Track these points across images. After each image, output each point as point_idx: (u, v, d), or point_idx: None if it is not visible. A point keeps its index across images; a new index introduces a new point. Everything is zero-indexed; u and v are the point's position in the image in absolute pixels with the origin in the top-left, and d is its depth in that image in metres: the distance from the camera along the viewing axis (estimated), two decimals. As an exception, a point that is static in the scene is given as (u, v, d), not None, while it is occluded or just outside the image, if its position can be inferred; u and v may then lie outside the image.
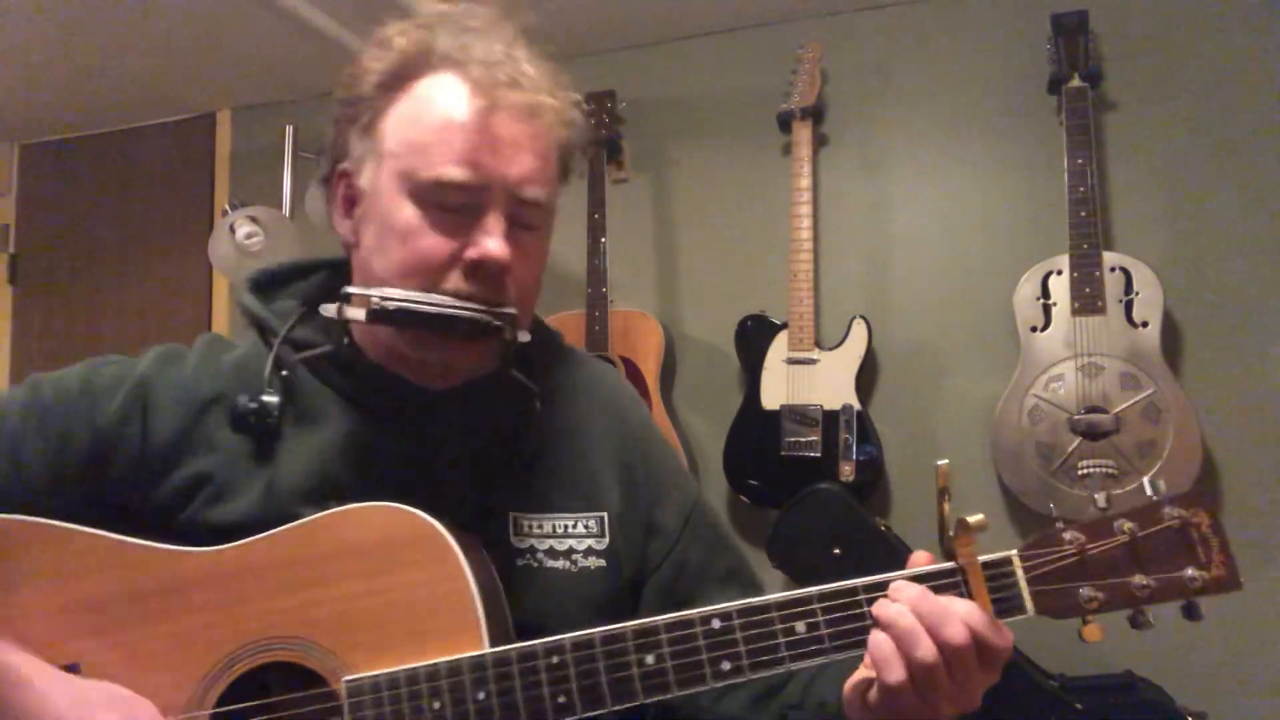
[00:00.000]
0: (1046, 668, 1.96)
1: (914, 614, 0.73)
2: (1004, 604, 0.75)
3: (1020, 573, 0.76)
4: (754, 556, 2.33)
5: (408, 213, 0.83)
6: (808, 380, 2.28)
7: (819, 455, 2.23)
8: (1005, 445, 2.11)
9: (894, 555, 2.09)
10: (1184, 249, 2.19)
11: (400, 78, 0.86)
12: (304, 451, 0.88)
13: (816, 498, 2.14)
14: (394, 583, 0.81)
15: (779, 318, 2.34)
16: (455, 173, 0.82)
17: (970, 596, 0.75)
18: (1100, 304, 2.04)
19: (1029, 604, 0.75)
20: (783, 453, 2.26)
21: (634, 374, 2.42)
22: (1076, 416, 2.02)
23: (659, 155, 2.66)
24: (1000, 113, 2.36)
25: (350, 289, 0.85)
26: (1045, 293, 2.12)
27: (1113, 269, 2.06)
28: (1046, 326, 2.11)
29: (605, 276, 2.42)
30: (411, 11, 0.91)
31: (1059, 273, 2.10)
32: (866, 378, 2.33)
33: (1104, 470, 2.00)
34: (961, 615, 0.73)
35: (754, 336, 2.36)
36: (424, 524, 0.81)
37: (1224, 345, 2.14)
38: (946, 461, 0.82)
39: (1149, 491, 0.77)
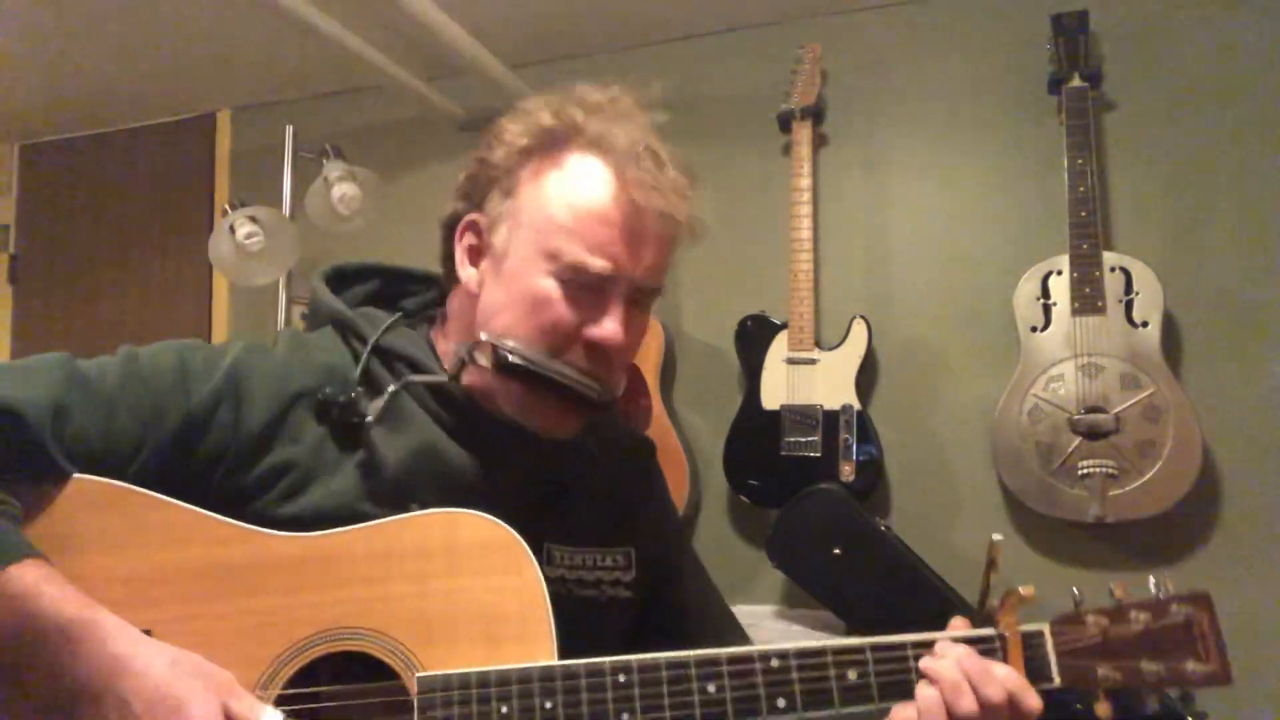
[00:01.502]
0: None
1: (960, 671, 0.80)
2: (1033, 672, 0.82)
3: (1050, 646, 0.84)
4: (754, 556, 2.34)
5: (544, 285, 0.90)
6: (808, 380, 2.28)
7: (819, 455, 2.23)
8: (1005, 445, 2.11)
9: (894, 555, 2.09)
10: (1184, 249, 2.19)
11: (544, 146, 0.93)
12: (383, 454, 0.91)
13: (816, 498, 2.14)
14: (473, 586, 0.84)
15: (779, 318, 2.34)
16: (596, 263, 0.89)
17: (1006, 662, 0.82)
18: (1100, 304, 2.04)
19: (1056, 676, 0.83)
20: (783, 453, 2.26)
21: (634, 374, 2.41)
22: (1076, 416, 2.02)
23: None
24: (1000, 113, 2.36)
25: (484, 336, 0.92)
26: (1045, 293, 2.12)
27: (1113, 269, 2.06)
28: (1046, 326, 2.11)
29: (605, 276, 2.41)
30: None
31: (1059, 273, 2.10)
32: (866, 378, 2.33)
33: (1104, 470, 2.00)
34: (1001, 678, 0.80)
35: (754, 336, 2.36)
36: (507, 534, 0.85)
37: (1224, 345, 2.14)
38: (1001, 538, 0.90)
39: (1153, 590, 0.84)
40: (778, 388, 2.30)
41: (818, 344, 2.30)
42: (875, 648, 0.83)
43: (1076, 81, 2.14)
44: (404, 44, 2.51)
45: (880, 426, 2.25)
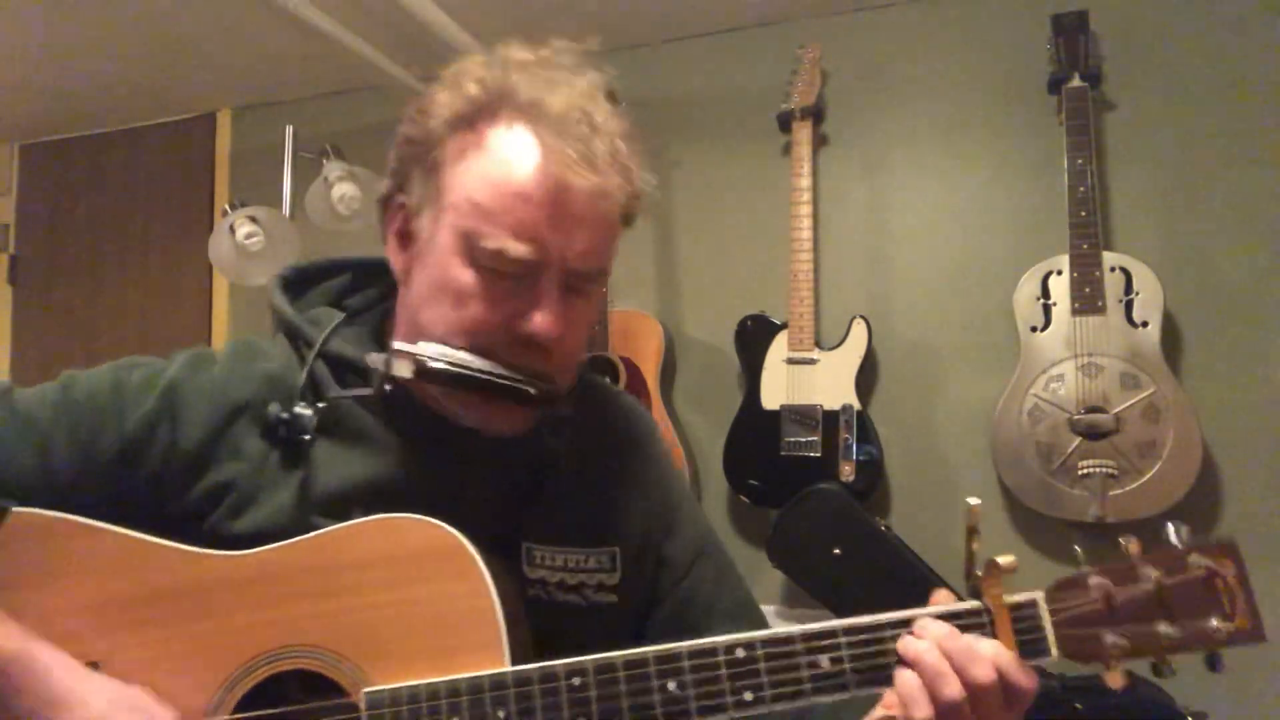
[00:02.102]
0: (1047, 668, 1.95)
1: (941, 652, 0.73)
2: (1028, 646, 0.75)
3: (1046, 616, 0.75)
4: (754, 556, 2.34)
5: (464, 276, 0.82)
6: (808, 380, 2.28)
7: (819, 455, 2.23)
8: (1005, 445, 2.11)
9: (894, 556, 2.09)
10: (1184, 249, 2.19)
11: (471, 120, 0.84)
12: (331, 467, 0.88)
13: (816, 498, 2.14)
14: (418, 595, 0.80)
15: (779, 318, 2.34)
16: (517, 247, 0.80)
17: (995, 637, 0.75)
18: (1100, 304, 2.04)
19: (1053, 648, 0.75)
20: (783, 453, 2.26)
21: (634, 374, 2.42)
22: (1076, 416, 2.02)
23: (659, 155, 2.65)
24: (1000, 113, 2.36)
25: (399, 346, 0.84)
26: (1045, 293, 2.12)
27: (1113, 269, 2.06)
28: (1046, 326, 2.10)
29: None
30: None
31: (1059, 273, 2.10)
32: (866, 378, 2.33)
33: (1104, 470, 2.00)
34: (989, 655, 0.73)
35: (754, 336, 2.36)
36: (450, 538, 0.81)
37: (1224, 345, 2.14)
38: (979, 501, 0.81)
39: (1173, 539, 0.76)
40: (778, 388, 2.30)
41: (818, 344, 2.30)
42: (849, 630, 0.76)
43: (1076, 81, 2.14)
44: (404, 44, 2.51)
45: (880, 426, 2.25)
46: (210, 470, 0.87)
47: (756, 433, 2.30)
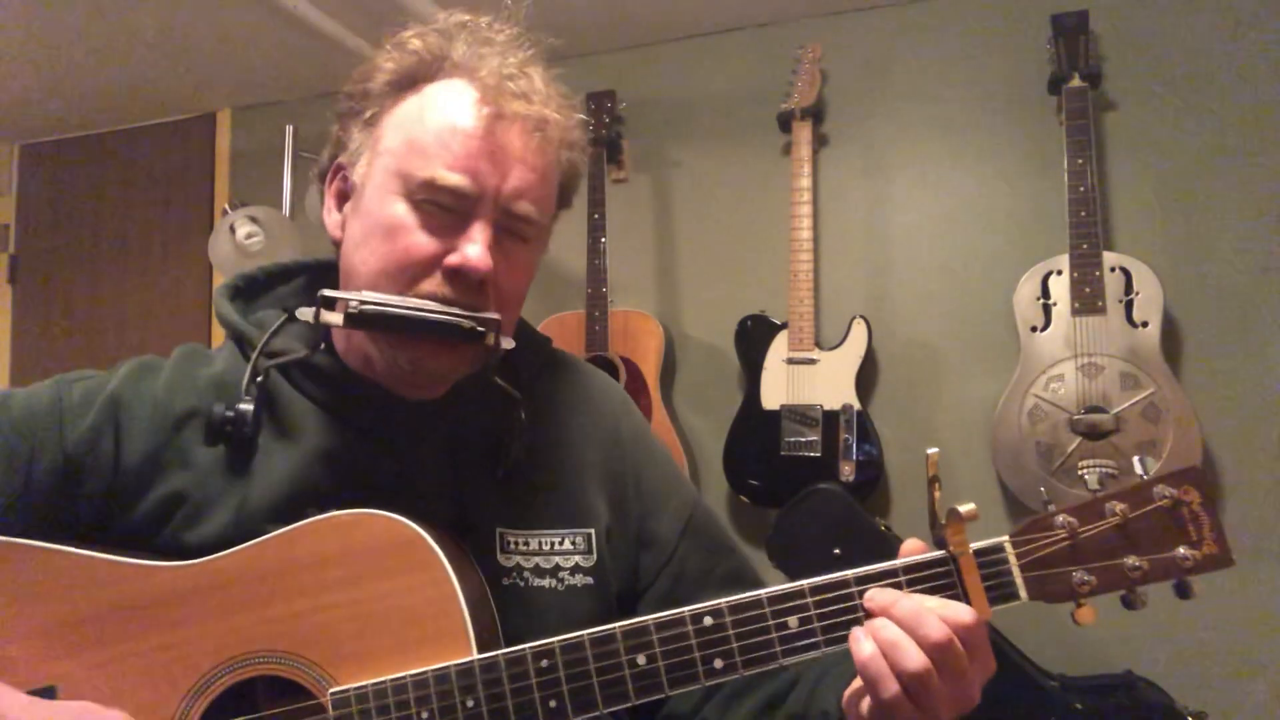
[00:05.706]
0: (1046, 668, 1.96)
1: (895, 622, 0.72)
2: (997, 591, 0.75)
3: (1013, 559, 0.75)
4: (754, 556, 2.33)
5: (396, 210, 0.82)
6: (808, 380, 2.28)
7: (819, 455, 2.23)
8: (1005, 445, 2.11)
9: (894, 555, 2.08)
10: (1184, 249, 2.19)
11: (411, 79, 0.85)
12: (280, 465, 0.85)
13: (816, 498, 2.14)
14: (377, 591, 0.79)
15: (779, 318, 2.34)
16: (450, 177, 0.80)
17: (962, 585, 0.75)
18: (1100, 304, 2.04)
19: (1022, 591, 0.75)
20: (783, 453, 2.26)
21: (634, 374, 2.42)
22: (1076, 416, 2.02)
23: (659, 155, 2.65)
24: (1000, 113, 2.36)
25: (326, 292, 0.81)
26: (1045, 293, 2.12)
27: (1113, 269, 2.06)
28: (1046, 326, 2.10)
29: (605, 276, 2.41)
30: (408, 12, 0.91)
31: (1059, 273, 2.10)
32: (866, 378, 2.33)
33: (1104, 470, 2.00)
34: (937, 611, 0.71)
35: (754, 336, 2.36)
36: (405, 529, 0.79)
37: (1224, 345, 2.14)
38: (937, 450, 0.81)
39: (1139, 470, 0.77)
40: (778, 388, 2.30)
41: (818, 344, 2.30)
42: (815, 589, 0.77)
43: (1076, 81, 2.13)
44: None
45: (880, 426, 2.25)
46: (159, 483, 0.85)
47: (756, 433, 2.30)
